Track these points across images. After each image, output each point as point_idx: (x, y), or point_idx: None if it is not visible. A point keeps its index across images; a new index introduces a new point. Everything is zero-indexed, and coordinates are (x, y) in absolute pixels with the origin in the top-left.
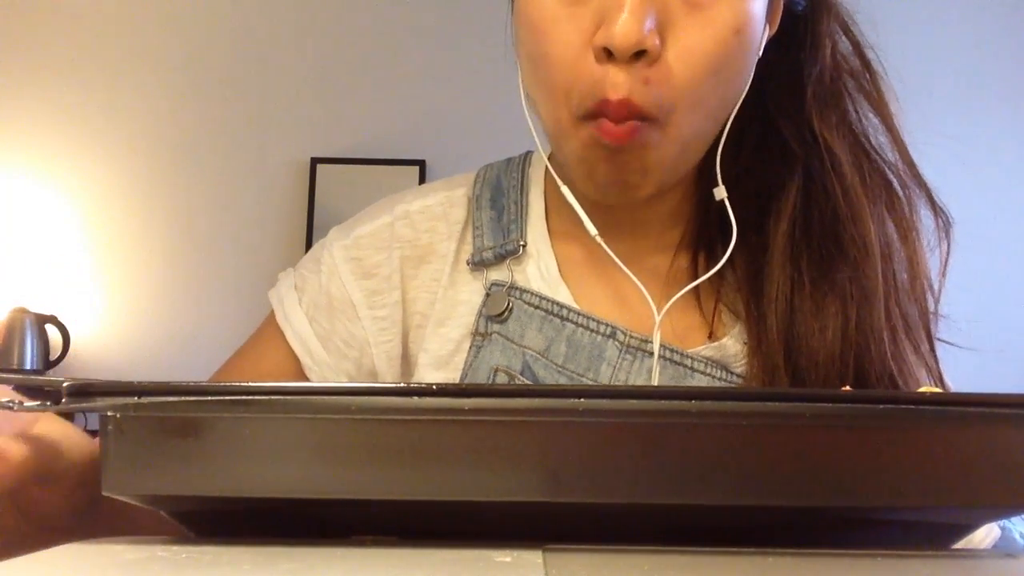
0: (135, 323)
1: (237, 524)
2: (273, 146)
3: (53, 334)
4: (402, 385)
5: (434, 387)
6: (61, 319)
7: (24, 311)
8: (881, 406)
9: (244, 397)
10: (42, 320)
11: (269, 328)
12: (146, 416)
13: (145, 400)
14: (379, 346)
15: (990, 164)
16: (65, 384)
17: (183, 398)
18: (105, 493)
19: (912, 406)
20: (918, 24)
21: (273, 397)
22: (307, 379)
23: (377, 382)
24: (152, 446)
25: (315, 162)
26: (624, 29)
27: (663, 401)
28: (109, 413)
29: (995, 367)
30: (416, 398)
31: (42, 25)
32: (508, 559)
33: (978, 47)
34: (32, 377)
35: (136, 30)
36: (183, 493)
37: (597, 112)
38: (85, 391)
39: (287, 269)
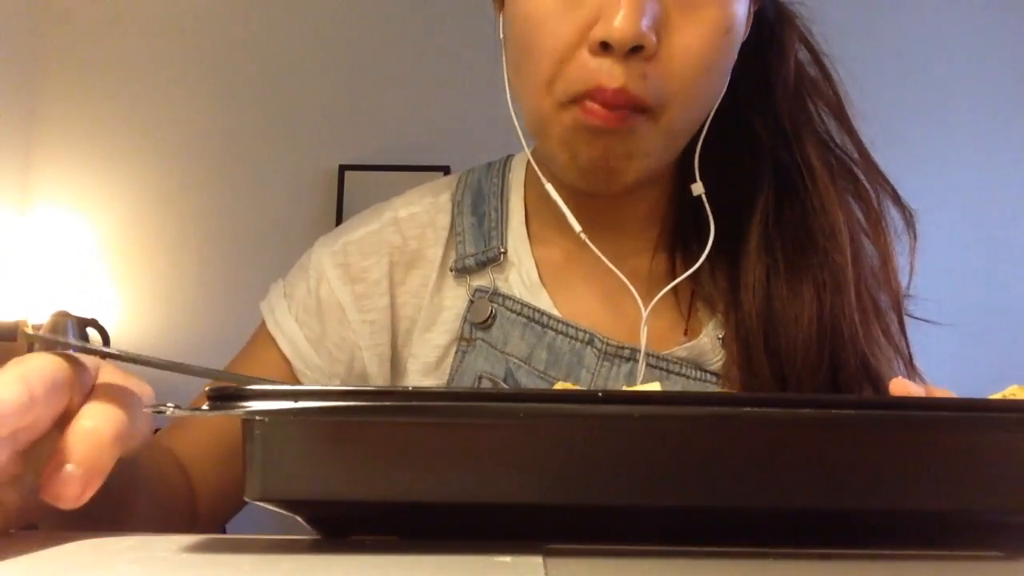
0: (168, 327)
1: (379, 528)
2: (302, 154)
3: (94, 337)
4: (579, 391)
5: (599, 394)
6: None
7: (66, 314)
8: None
9: (408, 403)
10: (83, 324)
11: (260, 337)
12: (299, 421)
13: (302, 404)
14: (370, 349)
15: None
16: (207, 388)
17: (341, 403)
18: (247, 498)
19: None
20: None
21: (435, 403)
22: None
23: (368, 384)
24: (304, 451)
25: (343, 169)
26: (623, 24)
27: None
28: (258, 418)
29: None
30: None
31: (78, 40)
32: (508, 560)
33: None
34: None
35: (167, 41)
36: (332, 499)
37: (584, 96)
38: (233, 395)
39: (276, 280)
